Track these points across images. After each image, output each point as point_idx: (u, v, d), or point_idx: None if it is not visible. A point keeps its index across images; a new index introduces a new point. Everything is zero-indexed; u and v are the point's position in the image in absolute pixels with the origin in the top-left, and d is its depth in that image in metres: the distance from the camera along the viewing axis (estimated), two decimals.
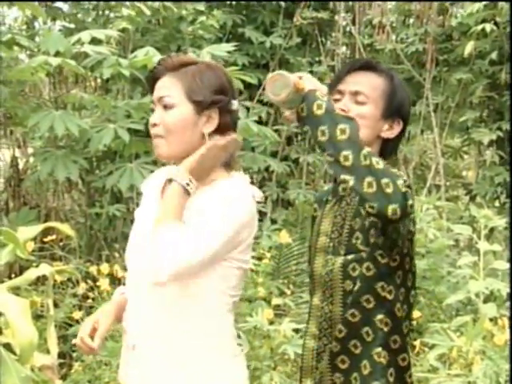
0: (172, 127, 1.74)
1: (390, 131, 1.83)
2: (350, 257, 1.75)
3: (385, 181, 1.56)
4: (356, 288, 1.73)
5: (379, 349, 1.71)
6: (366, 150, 1.60)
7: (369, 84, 1.81)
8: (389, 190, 1.55)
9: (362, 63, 1.86)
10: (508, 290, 3.40)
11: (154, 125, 1.75)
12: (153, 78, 1.79)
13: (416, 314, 3.63)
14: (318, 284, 1.83)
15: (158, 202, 1.75)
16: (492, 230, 4.24)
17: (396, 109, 1.82)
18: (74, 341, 1.82)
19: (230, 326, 1.78)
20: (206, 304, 1.71)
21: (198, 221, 1.64)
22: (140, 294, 1.75)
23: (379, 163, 1.59)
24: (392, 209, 1.55)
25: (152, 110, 1.78)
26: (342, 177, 1.58)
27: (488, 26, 5.17)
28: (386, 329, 1.72)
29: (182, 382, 1.70)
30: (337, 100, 1.81)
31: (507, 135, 5.43)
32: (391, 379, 1.72)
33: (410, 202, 1.59)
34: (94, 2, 5.38)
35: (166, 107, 1.74)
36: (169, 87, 1.75)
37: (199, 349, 1.71)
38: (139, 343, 1.75)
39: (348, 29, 6.44)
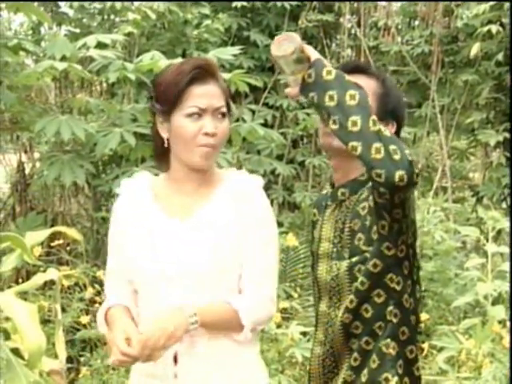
0: (225, 138, 1.78)
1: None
2: (354, 259, 1.74)
3: (392, 147, 1.55)
4: (365, 287, 1.72)
5: (388, 340, 1.70)
6: (374, 116, 1.59)
7: (368, 86, 1.78)
8: (396, 157, 1.54)
9: (353, 66, 1.83)
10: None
11: (213, 134, 1.73)
12: (191, 83, 1.73)
13: (424, 316, 3.61)
14: (324, 290, 1.82)
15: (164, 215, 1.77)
16: (499, 231, 4.22)
17: (389, 111, 1.80)
18: (111, 360, 1.67)
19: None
20: None
21: (255, 270, 1.75)
22: None
23: (386, 130, 1.59)
24: (399, 175, 1.54)
25: (194, 115, 1.72)
26: (350, 144, 1.57)
27: (494, 28, 5.16)
28: (395, 320, 1.71)
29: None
30: None
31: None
32: (400, 371, 1.71)
33: (416, 171, 1.59)
34: (99, 7, 5.39)
35: (221, 118, 1.75)
36: (219, 96, 1.75)
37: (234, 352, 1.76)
38: (181, 351, 1.73)
39: (353, 31, 6.44)
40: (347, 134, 1.57)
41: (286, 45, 1.65)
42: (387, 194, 1.60)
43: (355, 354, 1.74)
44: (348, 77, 1.66)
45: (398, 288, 1.71)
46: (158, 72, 1.85)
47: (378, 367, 1.71)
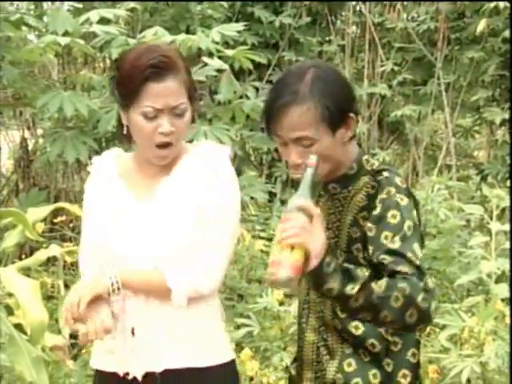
0: (184, 132, 1.74)
1: (346, 133, 1.68)
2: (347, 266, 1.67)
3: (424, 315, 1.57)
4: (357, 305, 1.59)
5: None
6: (422, 295, 1.54)
7: (302, 123, 1.62)
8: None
9: (283, 103, 1.64)
10: None
11: (170, 133, 1.70)
12: (146, 80, 1.67)
13: None
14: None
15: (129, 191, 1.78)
16: (504, 209, 4.20)
17: (340, 112, 1.65)
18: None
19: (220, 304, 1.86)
20: None
21: (204, 233, 1.71)
22: None
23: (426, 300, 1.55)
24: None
25: (150, 114, 1.68)
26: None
27: (501, 3, 5.10)
28: (397, 343, 1.72)
29: (187, 355, 1.74)
30: (283, 145, 1.68)
31: None
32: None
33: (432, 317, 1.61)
34: None
35: (179, 116, 1.71)
36: (177, 93, 1.70)
37: (197, 323, 1.76)
38: (138, 327, 1.75)
39: (358, 7, 6.37)
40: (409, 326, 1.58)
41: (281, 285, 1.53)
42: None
43: (348, 344, 1.73)
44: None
45: None
46: (121, 54, 1.81)
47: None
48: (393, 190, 1.64)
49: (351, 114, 1.67)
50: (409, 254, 1.58)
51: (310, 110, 1.63)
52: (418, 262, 1.58)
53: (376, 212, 1.64)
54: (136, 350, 1.74)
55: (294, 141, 1.66)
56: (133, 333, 1.75)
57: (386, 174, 1.68)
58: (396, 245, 1.59)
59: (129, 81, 1.68)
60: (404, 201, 1.63)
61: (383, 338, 1.70)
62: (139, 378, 1.74)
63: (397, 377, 1.71)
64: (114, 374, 1.77)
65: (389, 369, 1.70)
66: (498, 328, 2.94)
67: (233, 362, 1.83)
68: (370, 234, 1.64)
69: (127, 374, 1.75)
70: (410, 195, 1.66)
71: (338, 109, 1.65)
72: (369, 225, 1.64)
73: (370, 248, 1.64)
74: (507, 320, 3.00)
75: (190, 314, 1.74)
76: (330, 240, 1.68)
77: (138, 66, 1.67)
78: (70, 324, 1.67)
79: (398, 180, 1.66)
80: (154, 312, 1.74)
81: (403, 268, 1.56)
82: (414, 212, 1.65)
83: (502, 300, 3.18)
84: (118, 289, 1.69)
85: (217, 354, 1.78)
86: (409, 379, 1.71)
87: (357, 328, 1.71)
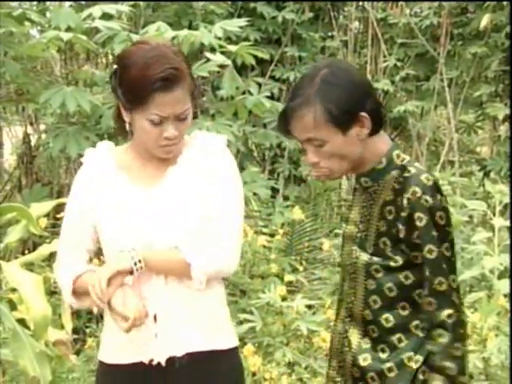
0: (186, 131, 1.79)
1: (362, 131, 1.71)
2: (376, 259, 1.72)
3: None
4: (392, 294, 1.71)
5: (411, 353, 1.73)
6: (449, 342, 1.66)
7: (309, 125, 1.68)
8: None
9: (293, 106, 1.70)
10: None
11: (174, 138, 1.75)
12: (155, 90, 1.69)
13: None
14: (346, 271, 1.82)
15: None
16: (506, 205, 4.20)
17: (345, 113, 1.68)
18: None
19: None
20: None
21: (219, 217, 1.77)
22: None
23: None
24: None
25: (156, 121, 1.72)
26: None
27: None
28: (421, 334, 1.72)
29: (205, 338, 1.80)
30: (301, 144, 1.77)
31: None
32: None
33: None
34: None
35: (183, 119, 1.76)
36: (183, 101, 1.74)
37: (213, 308, 1.82)
38: (159, 313, 1.78)
39: (361, 3, 6.36)
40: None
41: None
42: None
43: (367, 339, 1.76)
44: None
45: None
46: (127, 50, 1.79)
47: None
48: (418, 190, 1.67)
49: (362, 113, 1.69)
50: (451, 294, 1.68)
51: (315, 113, 1.68)
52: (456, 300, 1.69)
53: (404, 214, 1.68)
54: (158, 336, 1.77)
55: (306, 141, 1.73)
56: (155, 319, 1.78)
57: (412, 170, 1.71)
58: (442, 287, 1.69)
59: (137, 89, 1.71)
60: (429, 203, 1.66)
61: (412, 334, 1.72)
62: (163, 363, 1.77)
63: (418, 372, 1.70)
64: (134, 365, 1.79)
65: (410, 363, 1.71)
66: (500, 323, 2.94)
67: (237, 347, 1.89)
68: (400, 234, 1.69)
69: (151, 360, 1.78)
70: (436, 192, 1.68)
71: (344, 111, 1.68)
72: (400, 226, 1.69)
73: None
74: (509, 315, 3.00)
75: (205, 298, 1.79)
76: (361, 233, 1.75)
77: (147, 77, 1.69)
78: (98, 304, 1.71)
79: (423, 177, 1.69)
80: (173, 297, 1.77)
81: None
82: (439, 213, 1.67)
83: (505, 296, 3.18)
84: (141, 268, 1.73)
85: (229, 338, 1.85)
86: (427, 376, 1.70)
87: (387, 321, 1.72)
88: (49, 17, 4.31)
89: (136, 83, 1.71)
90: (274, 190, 5.43)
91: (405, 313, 1.72)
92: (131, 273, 1.73)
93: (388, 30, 6.19)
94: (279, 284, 3.70)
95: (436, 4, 5.87)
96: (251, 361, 3.06)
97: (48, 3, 5.06)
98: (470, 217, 4.92)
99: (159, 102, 1.70)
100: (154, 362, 1.78)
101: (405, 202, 1.68)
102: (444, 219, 1.68)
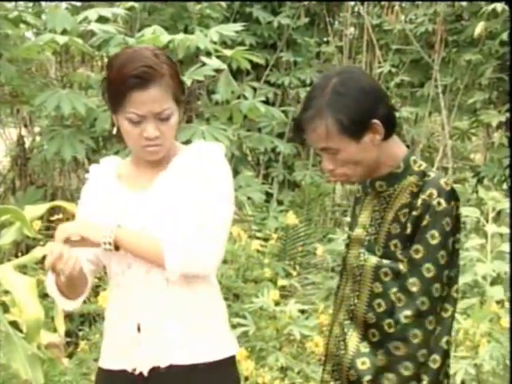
0: (171, 135, 1.79)
1: (375, 137, 1.72)
2: (385, 261, 1.73)
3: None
4: (400, 304, 1.70)
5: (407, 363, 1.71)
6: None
7: (323, 136, 1.71)
8: None
9: (306, 118, 1.73)
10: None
11: (155, 138, 1.74)
12: (130, 89, 1.70)
13: None
14: (350, 274, 1.82)
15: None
16: (499, 212, 4.22)
17: (356, 123, 1.70)
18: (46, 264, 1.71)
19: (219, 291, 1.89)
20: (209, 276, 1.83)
21: (201, 216, 1.74)
22: (144, 279, 1.78)
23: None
24: None
25: (135, 120, 1.73)
26: None
27: (499, 6, 5.11)
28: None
29: (193, 350, 1.77)
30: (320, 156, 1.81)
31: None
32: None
33: None
34: None
35: (165, 120, 1.75)
36: (161, 100, 1.74)
37: (205, 314, 1.80)
38: (145, 322, 1.77)
39: (356, 9, 6.38)
40: None
41: None
42: None
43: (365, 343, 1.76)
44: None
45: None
46: (112, 56, 1.82)
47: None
48: (435, 192, 1.69)
49: (375, 120, 1.71)
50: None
51: (327, 125, 1.70)
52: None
53: (415, 213, 1.69)
54: (142, 345, 1.77)
55: (321, 150, 1.75)
56: (139, 329, 1.77)
57: (432, 174, 1.73)
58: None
59: (114, 88, 1.74)
60: (441, 206, 1.67)
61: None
62: (145, 373, 1.76)
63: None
64: (122, 372, 1.79)
65: (406, 373, 1.69)
66: (492, 330, 2.95)
67: (233, 357, 1.85)
68: (407, 232, 1.70)
69: (134, 369, 1.77)
70: (451, 198, 1.69)
71: (355, 120, 1.70)
72: (408, 224, 1.70)
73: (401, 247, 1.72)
74: (502, 322, 3.01)
75: (194, 308, 1.78)
76: (370, 236, 1.76)
77: (122, 75, 1.72)
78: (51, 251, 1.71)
79: (442, 181, 1.71)
80: (159, 306, 1.76)
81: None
82: (447, 219, 1.68)
83: (497, 302, 3.20)
84: (110, 250, 1.72)
85: (223, 347, 1.82)
86: None
87: (390, 326, 1.72)
88: (44, 19, 4.31)
89: (114, 83, 1.74)
90: (268, 195, 5.44)
91: None
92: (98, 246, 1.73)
93: (383, 36, 6.21)
94: (272, 288, 3.70)
95: (431, 11, 5.89)
96: (244, 365, 3.06)
97: (44, 4, 5.07)
98: (463, 223, 4.93)
99: (134, 100, 1.72)
100: (136, 372, 1.77)
101: (419, 201, 1.69)
102: (450, 226, 1.69)
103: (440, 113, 5.97)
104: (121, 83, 1.71)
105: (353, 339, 1.77)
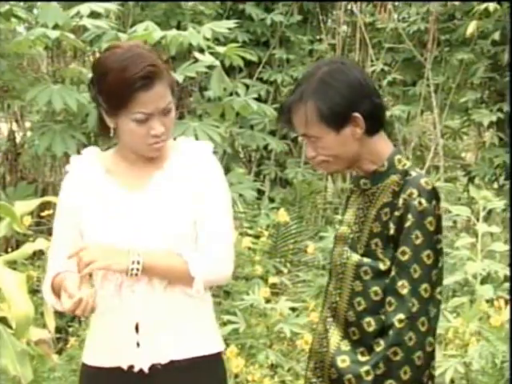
0: (172, 126, 1.79)
1: (356, 130, 1.71)
2: (366, 260, 1.72)
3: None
4: (377, 298, 1.71)
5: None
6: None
7: (303, 122, 1.71)
8: None
9: (290, 102, 1.75)
10: (506, 272, 3.40)
11: (162, 134, 1.75)
12: (136, 91, 1.69)
13: None
14: (334, 272, 1.82)
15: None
16: (490, 211, 4.23)
17: (340, 113, 1.69)
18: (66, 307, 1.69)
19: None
20: None
21: (211, 224, 1.77)
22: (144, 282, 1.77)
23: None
24: None
25: (141, 119, 1.72)
26: None
27: (491, 6, 5.12)
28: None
29: (190, 345, 1.79)
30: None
31: (507, 117, 5.41)
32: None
33: None
34: None
35: (167, 113, 1.76)
36: (165, 95, 1.75)
37: (196, 312, 1.82)
38: (142, 321, 1.77)
39: (349, 7, 6.38)
40: None
41: None
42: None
43: (346, 341, 1.75)
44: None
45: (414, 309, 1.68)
46: (101, 57, 1.79)
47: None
48: (415, 192, 1.68)
49: (355, 114, 1.70)
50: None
51: (306, 111, 1.71)
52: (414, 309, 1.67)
53: (397, 213, 1.69)
54: (141, 344, 1.77)
55: (303, 136, 1.76)
56: (137, 329, 1.77)
57: (413, 173, 1.72)
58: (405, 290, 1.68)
59: (118, 92, 1.71)
60: (422, 206, 1.67)
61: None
62: (146, 370, 1.77)
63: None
64: (116, 369, 1.78)
65: (405, 377, 1.67)
66: (482, 329, 2.96)
67: (221, 352, 1.88)
68: (390, 232, 1.70)
69: (131, 366, 1.77)
70: (432, 197, 1.69)
71: (335, 112, 1.70)
72: (391, 225, 1.70)
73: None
74: (491, 321, 3.02)
75: (190, 305, 1.79)
76: (354, 234, 1.76)
77: (126, 79, 1.70)
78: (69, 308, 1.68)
79: (423, 181, 1.70)
80: (158, 305, 1.77)
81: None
82: (429, 219, 1.67)
83: (487, 301, 3.21)
84: (136, 274, 1.71)
85: (213, 343, 1.84)
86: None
87: (369, 324, 1.72)
88: (36, 14, 4.29)
89: (117, 87, 1.70)
90: (260, 192, 5.43)
91: None
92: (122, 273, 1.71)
93: (376, 35, 6.21)
94: (263, 286, 3.70)
95: (424, 10, 5.90)
96: (234, 362, 3.06)
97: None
98: (454, 222, 4.95)
99: (142, 100, 1.71)
100: (136, 369, 1.77)
101: (400, 201, 1.69)
102: (434, 226, 1.68)
103: (432, 111, 5.98)
104: (126, 86, 1.69)
105: (334, 337, 1.77)
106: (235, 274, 4.03)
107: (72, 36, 3.82)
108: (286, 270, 4.43)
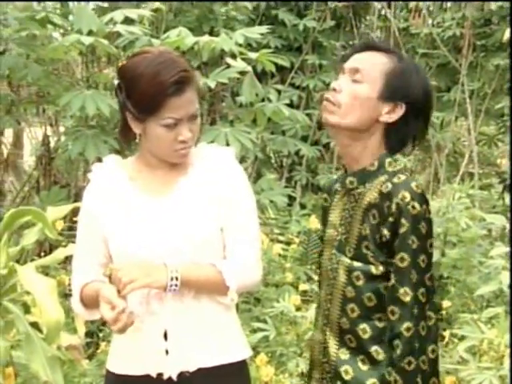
0: (198, 133, 1.80)
1: (388, 115, 1.72)
2: (356, 264, 1.69)
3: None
4: (371, 304, 1.69)
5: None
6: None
7: (370, 62, 1.72)
8: None
9: (363, 44, 1.78)
10: None
11: (189, 140, 1.76)
12: (167, 97, 1.70)
13: (446, 303, 3.57)
14: (325, 278, 1.79)
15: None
16: None
17: (398, 91, 1.70)
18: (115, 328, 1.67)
19: None
20: None
21: (240, 230, 1.79)
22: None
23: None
24: None
25: (171, 125, 1.72)
26: None
27: None
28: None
29: (217, 351, 1.80)
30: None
31: None
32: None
33: None
34: None
35: (195, 119, 1.76)
36: (194, 100, 1.76)
37: (222, 318, 1.82)
38: (171, 329, 1.77)
39: (383, 12, 6.33)
40: None
41: None
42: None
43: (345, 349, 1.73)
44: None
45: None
46: (129, 62, 1.76)
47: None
48: (407, 195, 1.65)
49: (398, 104, 1.71)
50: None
51: (384, 65, 1.73)
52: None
53: (391, 219, 1.66)
54: (170, 352, 1.77)
55: (351, 70, 1.75)
56: (165, 336, 1.77)
57: (402, 177, 1.69)
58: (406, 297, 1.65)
59: (150, 97, 1.71)
60: (415, 210, 1.64)
61: (387, 346, 1.67)
62: (174, 378, 1.77)
63: None
64: (145, 377, 1.78)
65: (390, 378, 1.66)
66: None
67: (246, 359, 1.88)
68: (384, 238, 1.67)
69: (160, 374, 1.77)
70: (423, 201, 1.66)
71: (402, 85, 1.72)
72: (385, 231, 1.66)
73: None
74: None
75: (217, 311, 1.79)
76: (341, 236, 1.73)
77: (159, 84, 1.70)
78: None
79: (413, 184, 1.67)
80: (187, 313, 1.77)
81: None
82: (422, 223, 1.65)
83: None
84: (175, 290, 1.71)
85: (240, 350, 1.85)
86: None
87: (364, 331, 1.69)
88: (71, 20, 4.33)
89: (149, 92, 1.70)
90: (291, 198, 5.41)
91: (381, 325, 1.69)
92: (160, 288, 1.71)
93: (410, 40, 6.15)
94: (294, 293, 3.68)
95: (459, 15, 5.83)
96: (264, 371, 3.04)
97: (71, 5, 5.10)
98: (489, 230, 4.86)
99: (173, 105, 1.71)
100: (165, 377, 1.77)
101: (393, 206, 1.65)
102: (426, 230, 1.66)
103: (466, 118, 5.90)
104: (158, 91, 1.69)
105: (331, 345, 1.74)
106: (266, 280, 4.01)
107: (106, 42, 3.84)
108: (316, 277, 4.39)
